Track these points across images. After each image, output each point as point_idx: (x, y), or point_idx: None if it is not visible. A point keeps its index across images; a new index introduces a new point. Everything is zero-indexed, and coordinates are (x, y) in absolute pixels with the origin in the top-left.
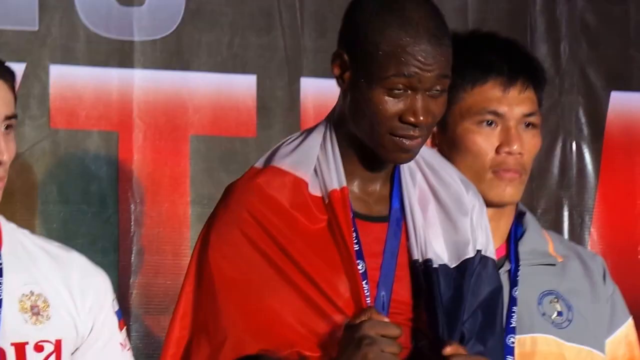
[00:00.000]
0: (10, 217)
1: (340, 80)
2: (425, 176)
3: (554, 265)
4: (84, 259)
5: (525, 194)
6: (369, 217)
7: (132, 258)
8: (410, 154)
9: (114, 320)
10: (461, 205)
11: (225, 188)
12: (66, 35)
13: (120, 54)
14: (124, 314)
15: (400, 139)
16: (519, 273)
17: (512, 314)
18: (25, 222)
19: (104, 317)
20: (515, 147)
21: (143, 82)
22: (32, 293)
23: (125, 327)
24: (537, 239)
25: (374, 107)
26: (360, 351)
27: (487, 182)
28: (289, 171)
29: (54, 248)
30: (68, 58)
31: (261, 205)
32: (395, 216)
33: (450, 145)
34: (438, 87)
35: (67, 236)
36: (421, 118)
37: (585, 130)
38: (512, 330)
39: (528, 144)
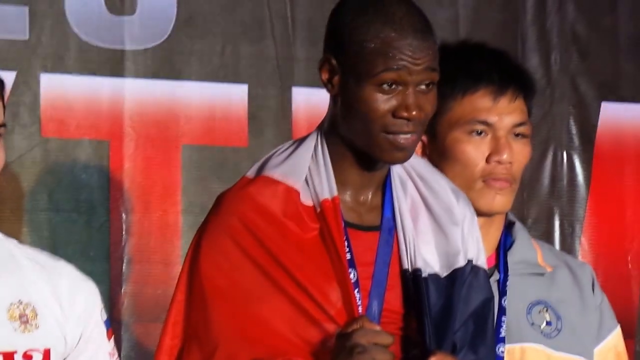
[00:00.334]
0: (0, 226)
1: (329, 85)
2: (416, 186)
3: (543, 275)
4: (73, 268)
5: (516, 204)
6: (361, 226)
7: (123, 267)
8: (405, 153)
9: (102, 330)
10: (452, 215)
11: (217, 197)
12: (57, 43)
13: (111, 63)
14: (115, 323)
15: (395, 136)
16: (508, 283)
17: (502, 324)
18: (15, 230)
19: (92, 326)
20: (505, 156)
21: (134, 91)
22: (20, 302)
23: (113, 337)
24: (526, 249)
25: (365, 106)
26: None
27: (477, 191)
28: (280, 180)
29: (43, 257)
30: (59, 67)
31: (253, 213)
32: (387, 225)
33: (440, 154)
34: (427, 80)
35: (57, 245)
36: (414, 112)
37: (576, 141)
38: (502, 340)
39: (518, 153)
